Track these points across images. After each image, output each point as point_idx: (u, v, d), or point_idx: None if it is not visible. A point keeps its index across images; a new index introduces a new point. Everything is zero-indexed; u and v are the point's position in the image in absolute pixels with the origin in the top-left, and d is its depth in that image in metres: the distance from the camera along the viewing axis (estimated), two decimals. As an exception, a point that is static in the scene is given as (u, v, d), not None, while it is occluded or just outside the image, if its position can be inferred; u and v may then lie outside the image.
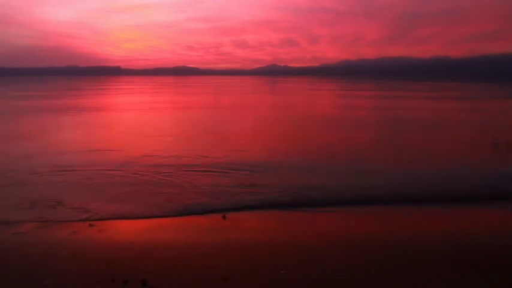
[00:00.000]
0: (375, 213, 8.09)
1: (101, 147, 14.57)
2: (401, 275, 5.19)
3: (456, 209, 8.40)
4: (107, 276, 5.06)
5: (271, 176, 10.44)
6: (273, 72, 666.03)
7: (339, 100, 44.54)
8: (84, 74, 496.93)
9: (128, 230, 7.06)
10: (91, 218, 7.52)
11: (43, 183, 9.79)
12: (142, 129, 19.84)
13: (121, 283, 4.90)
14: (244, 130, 19.86)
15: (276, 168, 11.22)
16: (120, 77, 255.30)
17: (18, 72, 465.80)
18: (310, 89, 70.06)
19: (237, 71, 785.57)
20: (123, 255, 5.78)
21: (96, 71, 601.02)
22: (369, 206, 8.46)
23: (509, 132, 20.54)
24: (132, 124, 22.52)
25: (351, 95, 53.50)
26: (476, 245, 6.34)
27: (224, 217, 7.66)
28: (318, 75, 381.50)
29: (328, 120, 23.53)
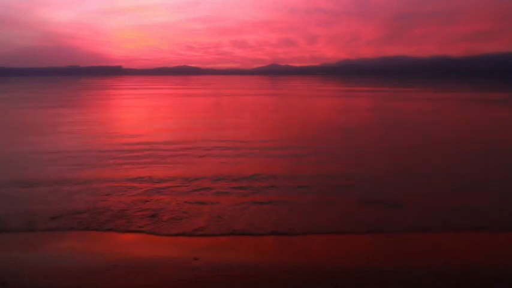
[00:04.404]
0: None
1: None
2: None
3: None
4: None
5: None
6: (274, 71, 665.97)
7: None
8: (85, 73, 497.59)
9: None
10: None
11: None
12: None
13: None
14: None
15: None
16: (127, 77, 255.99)
17: (20, 73, 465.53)
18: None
19: (238, 71, 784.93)
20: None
21: (98, 70, 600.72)
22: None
23: None
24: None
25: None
26: None
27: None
28: (319, 74, 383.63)
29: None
